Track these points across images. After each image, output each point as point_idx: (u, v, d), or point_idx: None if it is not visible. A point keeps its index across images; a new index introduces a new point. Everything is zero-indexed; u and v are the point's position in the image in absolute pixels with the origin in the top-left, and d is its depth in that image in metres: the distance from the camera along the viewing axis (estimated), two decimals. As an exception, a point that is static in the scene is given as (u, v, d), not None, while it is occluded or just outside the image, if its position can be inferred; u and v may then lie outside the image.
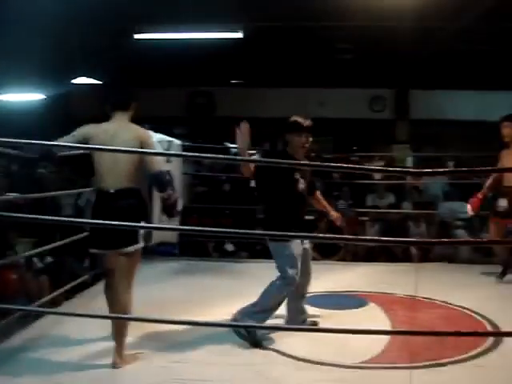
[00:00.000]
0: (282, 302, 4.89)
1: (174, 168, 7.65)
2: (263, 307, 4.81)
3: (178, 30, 8.50)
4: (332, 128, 14.20)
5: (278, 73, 12.60)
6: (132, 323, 4.50)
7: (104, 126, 4.38)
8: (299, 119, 4.99)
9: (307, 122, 4.97)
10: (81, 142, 4.22)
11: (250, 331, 4.67)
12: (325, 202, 5.43)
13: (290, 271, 4.72)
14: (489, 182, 6.82)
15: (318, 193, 5.41)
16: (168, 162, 7.47)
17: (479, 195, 6.78)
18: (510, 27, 8.42)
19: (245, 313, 4.87)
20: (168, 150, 7.30)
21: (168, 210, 4.58)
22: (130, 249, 4.26)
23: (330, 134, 14.56)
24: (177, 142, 7.73)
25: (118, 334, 4.28)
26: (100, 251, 4.37)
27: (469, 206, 6.80)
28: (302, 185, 4.95)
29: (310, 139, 5.00)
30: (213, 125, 14.11)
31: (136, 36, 8.58)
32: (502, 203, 6.58)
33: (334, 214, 5.39)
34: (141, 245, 4.35)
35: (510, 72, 11.45)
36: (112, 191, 4.23)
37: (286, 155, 4.99)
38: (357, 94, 13.89)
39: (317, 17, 8.26)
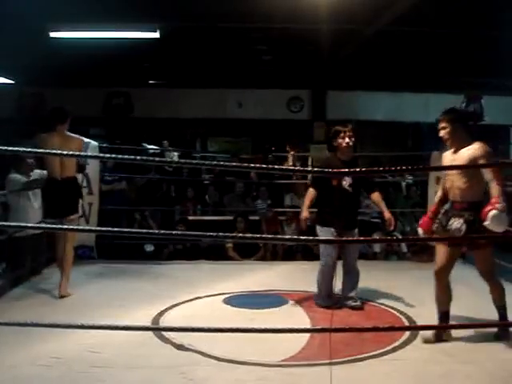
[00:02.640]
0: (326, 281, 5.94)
1: (92, 170, 7.56)
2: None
3: (95, 28, 8.34)
4: (251, 128, 14.30)
5: (196, 73, 12.56)
6: (53, 330, 4.41)
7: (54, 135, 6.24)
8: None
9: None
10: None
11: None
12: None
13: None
14: (438, 195, 5.22)
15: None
16: (86, 163, 7.38)
17: (429, 214, 5.18)
18: (422, 31, 8.69)
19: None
20: (85, 151, 7.19)
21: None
22: (74, 216, 6.38)
23: (248, 134, 14.65)
24: (94, 143, 7.63)
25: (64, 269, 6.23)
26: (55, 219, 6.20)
27: (420, 230, 5.16)
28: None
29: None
30: (130, 126, 13.92)
31: (52, 34, 8.36)
32: (457, 224, 4.80)
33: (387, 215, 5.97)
34: (79, 214, 6.65)
35: (420, 74, 11.84)
36: (59, 179, 6.21)
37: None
38: (275, 94, 14.01)
39: (235, 18, 8.28)
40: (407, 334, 4.97)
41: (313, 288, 6.20)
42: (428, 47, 9.74)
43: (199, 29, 9.04)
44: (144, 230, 4.44)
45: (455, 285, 6.83)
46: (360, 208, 6.27)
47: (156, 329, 5.10)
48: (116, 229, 3.92)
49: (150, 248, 8.95)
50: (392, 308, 5.91)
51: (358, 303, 5.94)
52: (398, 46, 9.82)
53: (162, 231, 3.68)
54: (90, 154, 7.13)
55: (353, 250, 6.02)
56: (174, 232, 3.78)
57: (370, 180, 6.21)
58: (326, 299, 5.94)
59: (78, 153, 6.33)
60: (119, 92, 13.91)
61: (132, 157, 3.33)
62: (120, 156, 3.37)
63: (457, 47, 9.61)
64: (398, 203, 10.41)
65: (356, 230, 6.03)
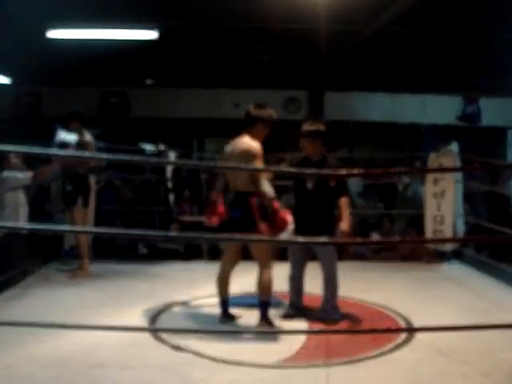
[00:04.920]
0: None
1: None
2: None
3: (92, 28, 8.33)
4: (247, 129, 14.25)
5: (193, 73, 12.55)
6: (49, 330, 4.40)
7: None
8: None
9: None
10: None
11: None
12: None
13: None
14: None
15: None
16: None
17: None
18: (420, 32, 8.69)
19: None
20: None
21: None
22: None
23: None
24: (91, 143, 7.62)
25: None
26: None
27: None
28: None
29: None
30: (127, 125, 13.90)
31: (49, 34, 8.34)
32: None
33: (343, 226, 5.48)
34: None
35: (418, 75, 11.84)
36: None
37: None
38: (272, 95, 13.97)
39: (232, 18, 8.27)
40: (403, 335, 4.97)
41: (309, 289, 6.21)
42: (425, 48, 9.74)
43: (197, 29, 9.03)
44: (141, 232, 4.42)
45: (450, 285, 6.88)
46: (332, 213, 5.58)
47: (152, 329, 5.09)
48: (113, 230, 3.91)
49: (143, 251, 8.95)
50: (388, 309, 5.90)
51: (331, 317, 5.42)
52: (396, 47, 9.81)
53: (160, 232, 3.67)
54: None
55: (324, 257, 5.60)
56: (170, 234, 3.77)
57: (340, 184, 5.63)
58: (287, 308, 5.81)
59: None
60: (116, 91, 13.88)
61: (129, 157, 3.33)
62: (118, 156, 3.37)
63: (454, 48, 9.61)
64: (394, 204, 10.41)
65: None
